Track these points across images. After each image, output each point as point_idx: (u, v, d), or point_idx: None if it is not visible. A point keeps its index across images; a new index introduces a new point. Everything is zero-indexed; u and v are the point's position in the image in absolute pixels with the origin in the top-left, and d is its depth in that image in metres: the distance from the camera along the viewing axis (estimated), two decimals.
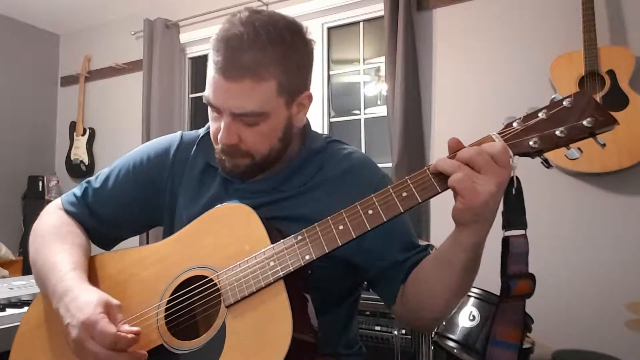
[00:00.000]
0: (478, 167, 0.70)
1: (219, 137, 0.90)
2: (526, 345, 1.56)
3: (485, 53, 2.33)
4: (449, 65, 2.43)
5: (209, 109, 0.93)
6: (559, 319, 1.99)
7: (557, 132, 0.70)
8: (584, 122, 0.69)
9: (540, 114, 0.72)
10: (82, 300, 0.80)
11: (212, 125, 0.94)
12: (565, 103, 0.72)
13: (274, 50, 0.85)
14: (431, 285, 0.85)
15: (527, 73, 2.20)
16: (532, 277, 0.75)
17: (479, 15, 2.36)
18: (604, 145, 0.71)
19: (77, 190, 1.07)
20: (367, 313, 1.92)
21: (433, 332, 1.62)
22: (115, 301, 0.82)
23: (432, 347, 1.70)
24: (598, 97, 1.92)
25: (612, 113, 0.70)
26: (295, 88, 0.91)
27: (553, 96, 0.73)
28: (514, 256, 0.74)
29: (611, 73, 1.94)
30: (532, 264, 0.75)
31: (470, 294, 1.57)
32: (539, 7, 2.22)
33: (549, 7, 2.20)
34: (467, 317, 1.52)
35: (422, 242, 0.98)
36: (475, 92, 2.33)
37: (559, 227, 2.09)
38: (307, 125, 1.03)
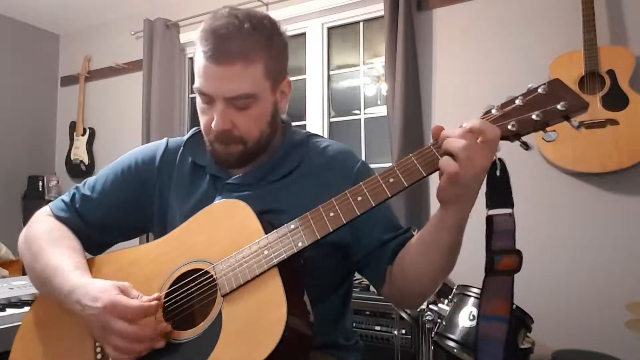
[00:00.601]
0: (483, 138, 0.73)
1: (213, 124, 0.93)
2: (526, 345, 1.56)
3: (485, 53, 2.33)
4: (449, 65, 2.43)
5: (199, 101, 0.96)
6: (559, 319, 1.99)
7: (533, 116, 0.75)
8: (558, 106, 0.74)
9: (517, 101, 0.77)
10: (95, 290, 0.84)
11: (202, 118, 0.97)
12: (540, 90, 0.76)
13: (258, 36, 0.91)
14: (417, 265, 0.89)
15: (527, 73, 2.20)
16: (518, 253, 0.77)
17: (479, 15, 2.36)
18: (578, 127, 0.76)
19: (66, 197, 1.09)
20: (367, 313, 1.92)
21: (433, 332, 1.61)
22: (125, 283, 0.85)
23: (432, 347, 1.70)
24: (598, 97, 1.92)
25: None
26: (278, 74, 0.97)
27: (529, 85, 0.78)
28: (497, 233, 0.77)
29: (611, 73, 1.94)
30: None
31: (470, 293, 1.57)
32: (539, 7, 2.22)
33: (549, 7, 2.20)
34: (467, 317, 1.52)
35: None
36: (475, 92, 2.33)
37: (558, 227, 2.09)
38: (288, 121, 1.08)
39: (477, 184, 0.76)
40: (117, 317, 0.79)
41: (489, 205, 0.77)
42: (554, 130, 0.77)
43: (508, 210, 0.77)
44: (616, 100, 1.91)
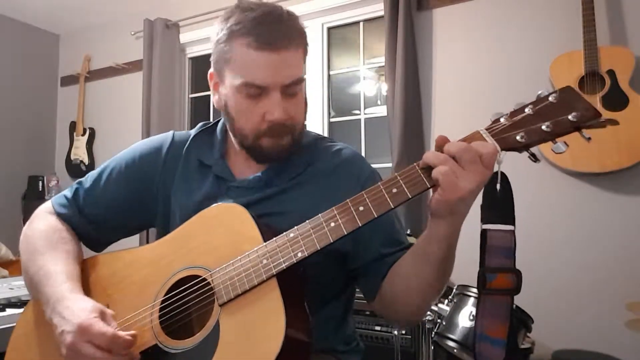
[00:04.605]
0: (463, 162, 0.71)
1: (273, 115, 0.90)
2: (526, 345, 1.56)
3: (485, 53, 2.33)
4: (449, 65, 2.42)
5: (241, 99, 0.92)
6: (559, 319, 1.99)
7: (543, 127, 0.72)
8: (569, 117, 0.71)
9: (526, 110, 0.74)
10: (77, 307, 0.82)
11: (249, 115, 0.92)
12: (550, 98, 0.73)
13: (294, 22, 0.93)
14: (407, 280, 0.87)
15: (527, 73, 2.20)
16: (515, 273, 0.75)
17: (479, 15, 2.36)
18: (589, 139, 0.73)
19: (68, 192, 1.07)
20: (367, 313, 1.92)
21: (433, 332, 1.62)
22: (109, 311, 0.83)
23: (432, 347, 1.70)
24: (598, 97, 1.92)
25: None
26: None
27: (539, 92, 0.75)
28: (492, 249, 0.75)
29: (611, 73, 1.94)
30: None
31: (470, 293, 1.57)
32: (538, 7, 2.22)
33: (549, 7, 2.20)
34: (467, 317, 1.52)
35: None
36: (475, 92, 2.33)
37: (558, 227, 2.09)
38: None
39: (467, 203, 0.74)
40: (86, 340, 0.77)
41: (484, 220, 0.75)
42: (564, 142, 0.73)
43: (509, 227, 0.74)
44: (616, 100, 1.91)
